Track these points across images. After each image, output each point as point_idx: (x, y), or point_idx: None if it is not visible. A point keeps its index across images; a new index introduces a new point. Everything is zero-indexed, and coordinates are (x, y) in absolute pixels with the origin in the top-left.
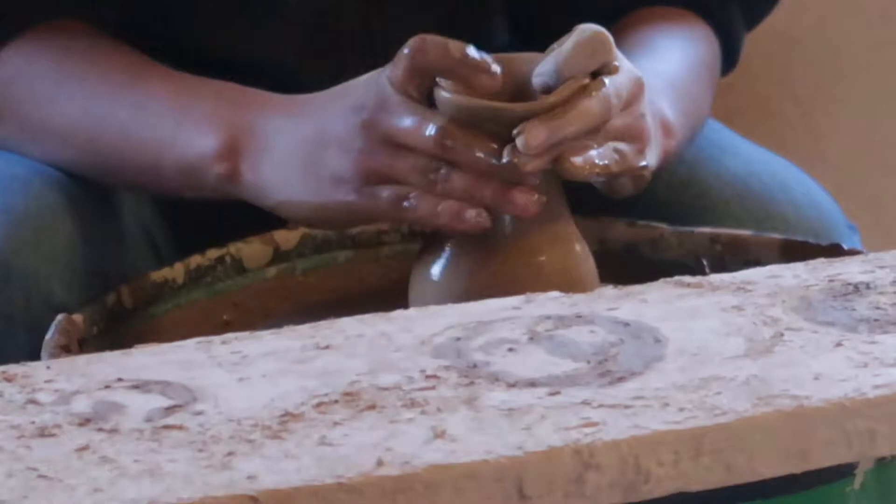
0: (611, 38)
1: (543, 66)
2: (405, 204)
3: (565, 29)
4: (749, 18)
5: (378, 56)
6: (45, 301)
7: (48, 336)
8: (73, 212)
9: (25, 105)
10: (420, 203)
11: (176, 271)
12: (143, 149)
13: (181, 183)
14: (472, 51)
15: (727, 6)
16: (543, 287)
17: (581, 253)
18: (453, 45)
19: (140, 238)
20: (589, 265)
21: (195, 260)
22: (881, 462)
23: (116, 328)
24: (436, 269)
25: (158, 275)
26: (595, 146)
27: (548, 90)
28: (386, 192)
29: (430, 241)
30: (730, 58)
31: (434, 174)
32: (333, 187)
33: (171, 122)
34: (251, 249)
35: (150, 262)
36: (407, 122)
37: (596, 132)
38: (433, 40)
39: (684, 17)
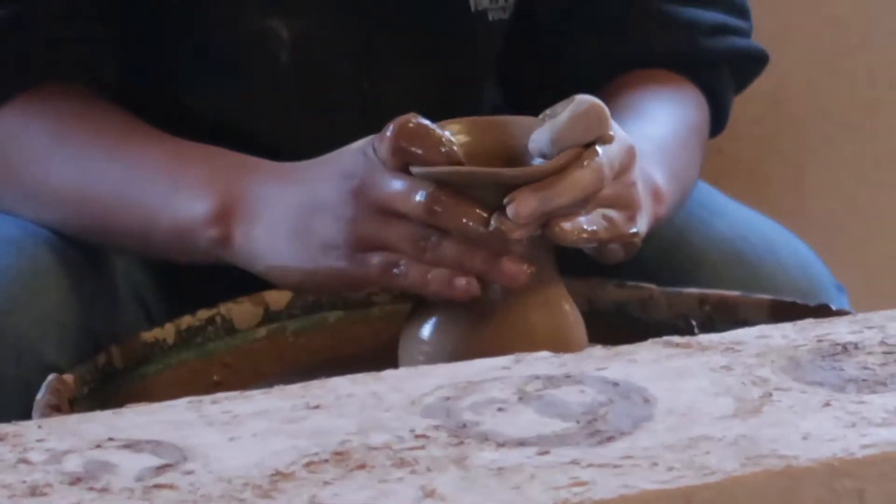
0: (607, 111)
1: (539, 135)
2: (395, 271)
3: (555, 90)
4: (738, 81)
5: (370, 117)
6: (36, 360)
7: (39, 396)
8: (65, 272)
9: (19, 165)
10: (410, 271)
11: (166, 332)
12: (135, 211)
13: (172, 247)
14: (452, 145)
15: (716, 69)
16: (533, 350)
17: (571, 316)
18: (434, 136)
19: (131, 299)
20: (579, 328)
21: (186, 321)
22: None
23: (107, 388)
24: (426, 332)
25: (149, 335)
26: (584, 213)
27: (542, 156)
28: (376, 259)
29: (420, 302)
30: (718, 120)
31: (424, 242)
32: (324, 254)
33: (164, 186)
34: (241, 310)
35: (141, 322)
36: (396, 189)
37: (587, 202)
38: (416, 126)
39: (673, 79)
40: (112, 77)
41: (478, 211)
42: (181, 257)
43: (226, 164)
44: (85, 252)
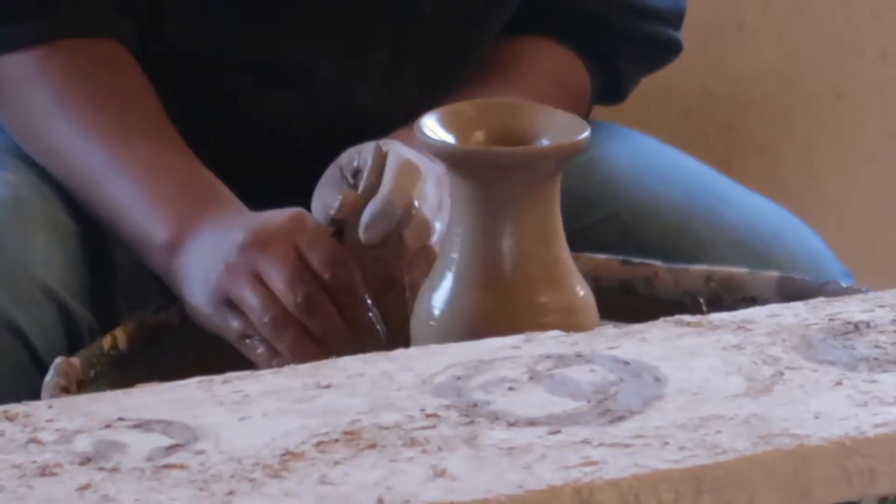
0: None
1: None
2: (247, 341)
3: None
4: (645, 63)
5: (384, 131)
6: None
7: (48, 378)
8: (19, 231)
9: (22, 109)
10: (259, 349)
11: (172, 314)
12: (106, 201)
13: (130, 246)
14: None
15: (617, 43)
16: (544, 326)
17: (582, 294)
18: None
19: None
20: (590, 306)
21: None
22: (883, 501)
23: (114, 372)
24: (437, 307)
25: (154, 318)
26: None
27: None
28: (235, 323)
29: (432, 278)
30: (616, 91)
31: (272, 321)
32: (205, 296)
33: (136, 194)
34: None
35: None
36: (278, 267)
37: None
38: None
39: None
40: (132, 32)
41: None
42: (138, 258)
43: (193, 193)
44: (46, 214)
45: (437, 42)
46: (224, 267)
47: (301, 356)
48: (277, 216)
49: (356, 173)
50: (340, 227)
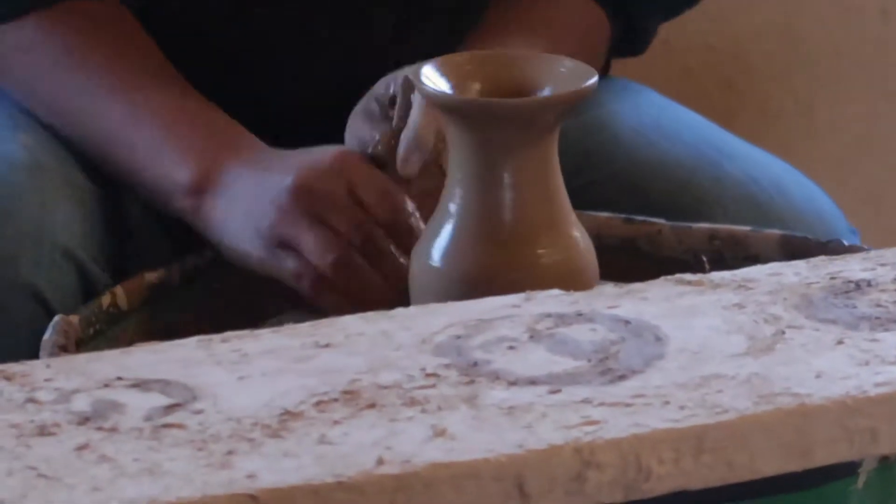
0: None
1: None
2: (302, 282)
3: None
4: (666, 9)
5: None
6: (11, 279)
7: (46, 336)
8: (40, 196)
9: (29, 78)
10: (312, 287)
11: (172, 272)
12: (125, 155)
13: (153, 197)
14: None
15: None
16: (543, 276)
17: (581, 242)
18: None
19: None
20: (589, 256)
21: (191, 260)
22: (884, 462)
23: (113, 329)
24: (436, 255)
25: (154, 275)
26: None
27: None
28: (290, 262)
29: (430, 227)
30: (637, 43)
31: (338, 262)
32: (254, 239)
33: (156, 140)
34: None
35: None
36: (334, 202)
37: None
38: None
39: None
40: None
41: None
42: (160, 208)
43: (215, 135)
44: (64, 177)
45: (447, 6)
46: (276, 210)
47: (367, 294)
48: (323, 155)
49: (392, 102)
50: (380, 164)
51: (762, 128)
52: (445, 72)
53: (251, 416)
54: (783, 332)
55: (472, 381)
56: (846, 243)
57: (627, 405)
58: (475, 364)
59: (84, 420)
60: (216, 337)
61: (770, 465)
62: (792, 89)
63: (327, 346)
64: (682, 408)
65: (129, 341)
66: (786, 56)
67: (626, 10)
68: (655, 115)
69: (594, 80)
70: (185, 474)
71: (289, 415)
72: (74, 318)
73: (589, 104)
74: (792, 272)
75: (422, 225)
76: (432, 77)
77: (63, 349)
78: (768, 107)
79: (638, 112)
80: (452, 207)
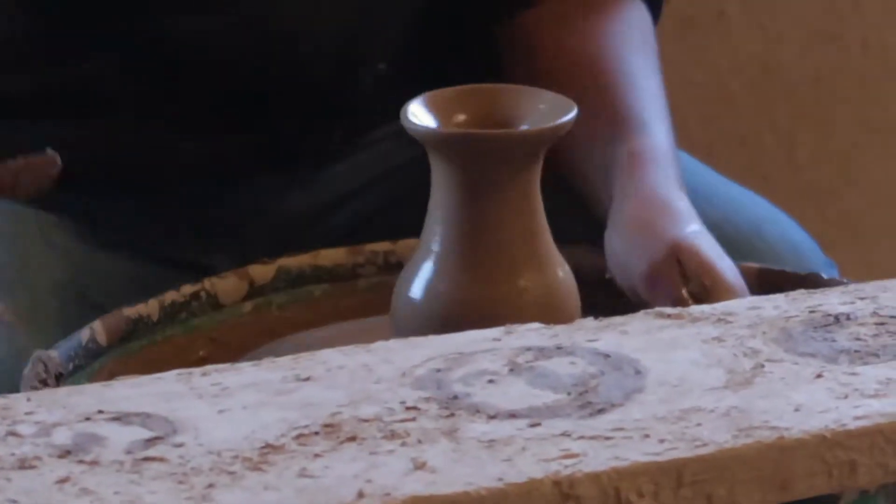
0: None
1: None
2: None
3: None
4: None
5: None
6: None
7: (26, 371)
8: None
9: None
10: None
11: (150, 307)
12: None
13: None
14: None
15: None
16: (525, 311)
17: (564, 278)
18: None
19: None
20: (571, 287)
21: (170, 296)
22: (864, 495)
23: (92, 365)
24: (417, 289)
25: (133, 311)
26: None
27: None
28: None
29: (413, 262)
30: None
31: None
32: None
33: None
34: (226, 284)
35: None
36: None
37: None
38: None
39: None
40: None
41: None
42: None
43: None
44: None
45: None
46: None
47: None
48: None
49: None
50: None
51: (742, 160)
52: (432, 107)
53: (232, 450)
54: (762, 366)
55: (452, 415)
56: (825, 276)
57: (607, 438)
58: (455, 397)
59: (65, 453)
60: (196, 370)
61: (749, 498)
62: (772, 121)
63: (308, 379)
64: (661, 441)
65: (108, 376)
66: (765, 88)
67: None
68: None
69: (573, 114)
70: None
71: (269, 448)
72: (54, 353)
73: None
74: (771, 306)
75: None
76: (417, 112)
77: (43, 383)
78: (748, 139)
79: None
80: (434, 241)
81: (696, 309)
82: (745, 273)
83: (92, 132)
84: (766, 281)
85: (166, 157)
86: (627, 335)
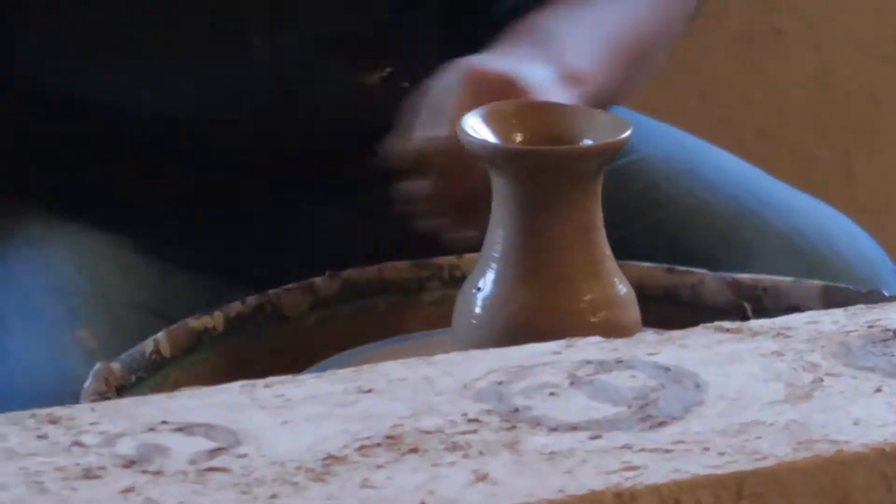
0: None
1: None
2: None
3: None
4: None
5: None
6: None
7: (87, 384)
8: None
9: None
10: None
11: (216, 319)
12: None
13: None
14: None
15: None
16: (586, 326)
17: (624, 291)
18: None
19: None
20: (632, 302)
21: (235, 308)
22: None
23: (154, 377)
24: (479, 303)
25: (198, 323)
26: None
27: None
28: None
29: (474, 276)
30: None
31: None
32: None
33: None
34: (291, 297)
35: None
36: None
37: None
38: None
39: None
40: None
41: None
42: None
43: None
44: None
45: None
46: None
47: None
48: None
49: None
50: None
51: (797, 176)
52: (490, 122)
53: (295, 460)
54: (821, 380)
55: (513, 427)
56: (886, 293)
57: (667, 451)
58: (516, 410)
59: (129, 463)
60: (259, 382)
61: None
62: (827, 138)
63: (370, 391)
64: (721, 454)
65: (172, 387)
66: (821, 105)
67: None
68: (689, 160)
69: (630, 131)
70: None
71: (332, 459)
72: (116, 366)
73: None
74: (830, 320)
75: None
76: (477, 127)
77: (103, 396)
78: (804, 155)
79: (670, 159)
80: (495, 254)
81: (755, 323)
82: (809, 291)
83: (162, 167)
84: (830, 297)
85: (231, 194)
86: (687, 349)
